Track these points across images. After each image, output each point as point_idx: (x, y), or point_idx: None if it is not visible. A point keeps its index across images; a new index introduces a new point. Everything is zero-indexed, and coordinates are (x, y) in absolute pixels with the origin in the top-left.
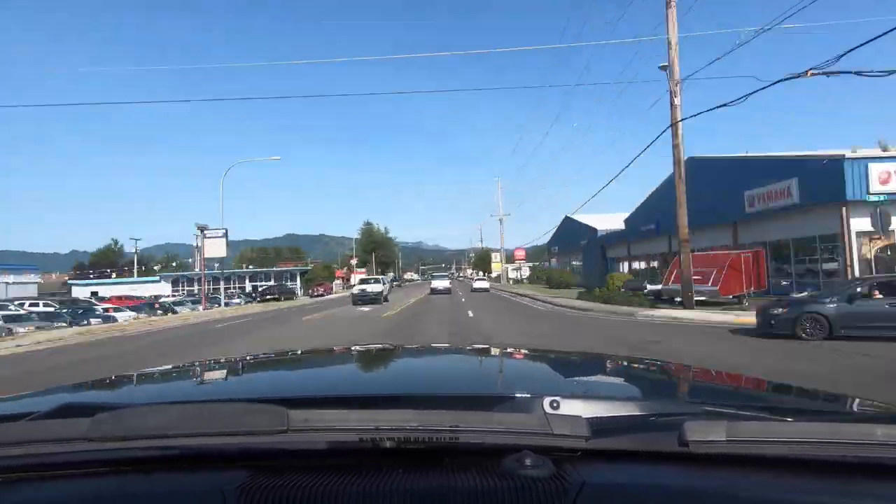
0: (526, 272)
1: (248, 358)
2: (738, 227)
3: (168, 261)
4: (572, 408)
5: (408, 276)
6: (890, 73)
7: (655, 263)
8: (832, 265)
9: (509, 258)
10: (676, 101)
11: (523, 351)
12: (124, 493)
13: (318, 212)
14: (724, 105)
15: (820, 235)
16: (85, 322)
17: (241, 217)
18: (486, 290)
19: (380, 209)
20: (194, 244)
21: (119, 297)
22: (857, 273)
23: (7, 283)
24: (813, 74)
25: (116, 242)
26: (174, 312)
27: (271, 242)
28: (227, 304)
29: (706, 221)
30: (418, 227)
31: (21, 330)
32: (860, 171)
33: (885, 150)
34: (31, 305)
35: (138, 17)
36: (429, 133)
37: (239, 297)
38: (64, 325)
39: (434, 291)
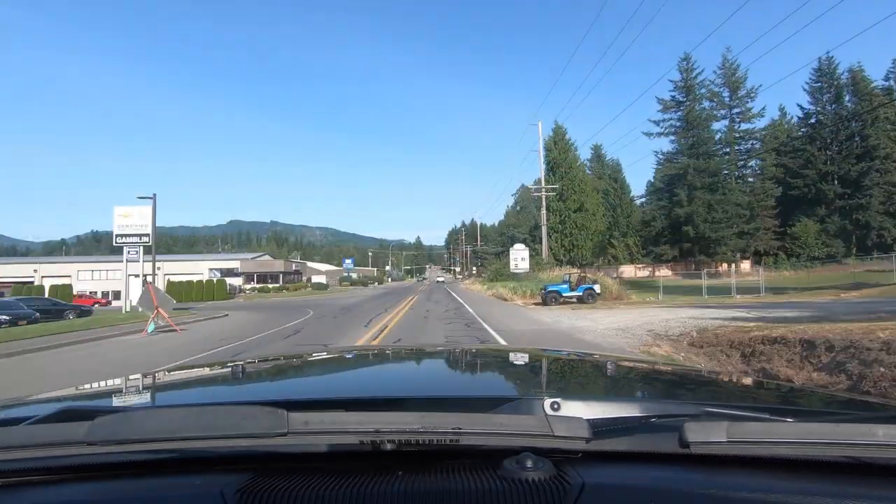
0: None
1: (247, 361)
2: None
3: None
4: (573, 409)
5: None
6: None
7: None
8: None
9: None
10: None
11: (524, 352)
12: (124, 497)
13: (272, 197)
14: None
15: None
16: None
17: (174, 200)
18: None
19: (356, 201)
20: None
21: None
22: None
23: None
24: None
25: None
26: None
27: (214, 230)
28: None
29: None
30: (400, 222)
31: None
32: None
33: None
34: None
35: None
36: (414, 124)
37: None
38: None
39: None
